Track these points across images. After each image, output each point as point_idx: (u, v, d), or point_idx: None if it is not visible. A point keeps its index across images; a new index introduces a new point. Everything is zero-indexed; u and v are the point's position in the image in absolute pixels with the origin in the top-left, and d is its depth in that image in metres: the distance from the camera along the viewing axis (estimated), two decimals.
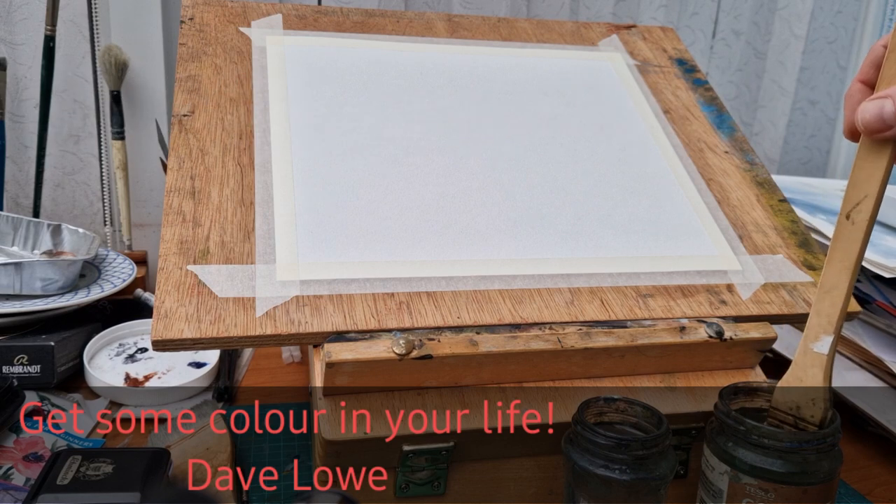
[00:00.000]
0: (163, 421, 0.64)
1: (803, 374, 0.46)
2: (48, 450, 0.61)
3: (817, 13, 1.31)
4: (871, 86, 0.45)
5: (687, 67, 0.79)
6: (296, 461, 0.62)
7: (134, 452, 0.52)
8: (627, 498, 0.45)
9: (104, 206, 1.00)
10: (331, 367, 0.47)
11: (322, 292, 0.51)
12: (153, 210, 1.03)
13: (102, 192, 1.00)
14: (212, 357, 0.75)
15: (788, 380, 0.47)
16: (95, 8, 0.95)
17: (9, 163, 0.97)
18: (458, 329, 0.50)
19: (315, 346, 0.50)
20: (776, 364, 0.78)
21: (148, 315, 0.83)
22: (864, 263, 0.70)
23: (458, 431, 0.49)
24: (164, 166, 0.94)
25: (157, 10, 0.96)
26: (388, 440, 0.48)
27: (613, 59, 0.78)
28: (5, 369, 0.67)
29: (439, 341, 0.49)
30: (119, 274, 0.82)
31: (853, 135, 0.45)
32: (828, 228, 0.76)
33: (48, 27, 0.90)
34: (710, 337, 0.53)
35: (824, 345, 0.45)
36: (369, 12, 0.76)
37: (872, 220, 0.44)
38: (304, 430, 0.67)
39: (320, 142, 0.61)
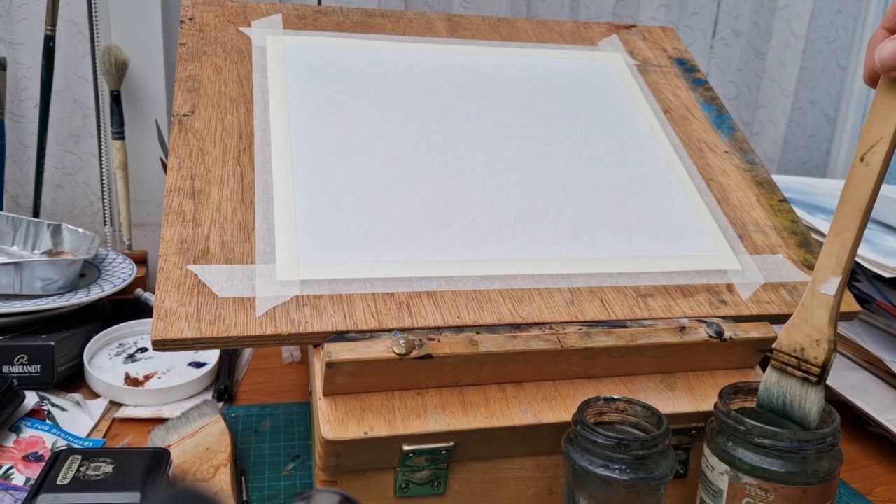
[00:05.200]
0: (163, 421, 0.64)
1: (809, 315, 0.47)
2: (48, 450, 0.61)
3: (817, 13, 1.31)
4: (893, 32, 0.46)
5: (687, 67, 0.79)
6: (296, 461, 0.62)
7: (134, 452, 0.52)
8: (627, 498, 0.45)
9: (104, 206, 1.00)
10: (331, 366, 0.47)
11: (322, 292, 0.51)
12: (153, 210, 1.03)
13: (102, 191, 1.00)
14: (212, 357, 0.75)
15: (794, 321, 0.47)
16: (95, 8, 0.95)
17: (9, 163, 0.97)
18: (458, 329, 0.50)
19: (315, 346, 0.50)
20: None
21: (148, 315, 0.83)
22: (863, 263, 0.70)
23: (458, 431, 0.49)
24: (164, 166, 0.94)
25: (157, 10, 0.96)
26: (387, 440, 0.48)
27: (613, 58, 0.78)
28: (5, 369, 0.67)
29: (439, 341, 0.49)
30: (119, 274, 0.82)
31: (872, 80, 0.46)
32: (828, 228, 0.76)
33: (48, 27, 0.90)
34: (710, 337, 0.53)
35: (831, 286, 0.46)
36: (369, 12, 0.76)
37: (887, 163, 0.44)
38: (304, 430, 0.67)
39: (320, 142, 0.61)
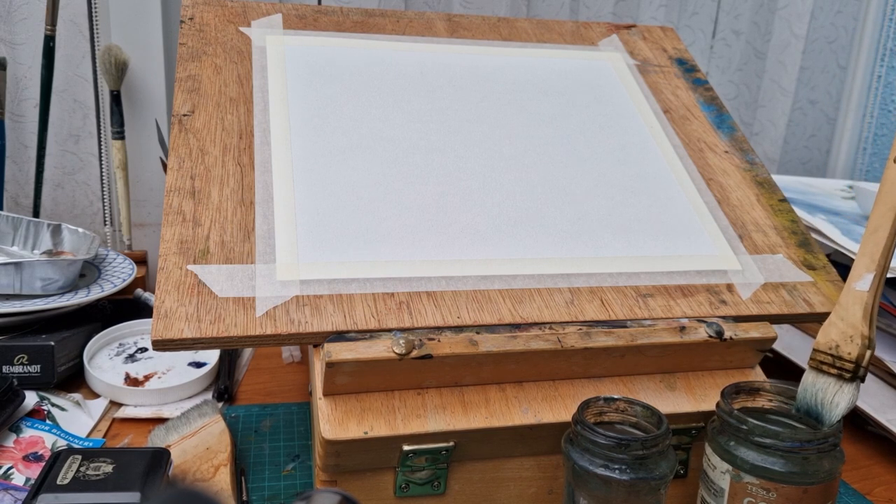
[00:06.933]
0: (163, 421, 0.64)
1: (844, 312, 0.48)
2: (48, 450, 0.61)
3: (817, 13, 1.31)
4: None
5: (687, 67, 0.79)
6: (296, 461, 0.62)
7: (134, 452, 0.52)
8: (627, 498, 0.45)
9: (104, 206, 1.00)
10: (331, 366, 0.47)
11: (322, 292, 0.51)
12: (153, 210, 1.03)
13: (102, 191, 1.00)
14: (212, 357, 0.75)
15: (831, 319, 0.48)
16: (95, 8, 0.95)
17: (9, 163, 0.97)
18: (458, 329, 0.50)
19: (315, 346, 0.50)
20: (776, 364, 0.78)
21: (148, 315, 0.83)
22: None
23: (458, 431, 0.49)
24: (164, 166, 0.94)
25: (157, 10, 0.96)
26: (387, 440, 0.48)
27: (613, 58, 0.78)
28: (5, 369, 0.67)
29: (439, 341, 0.49)
30: (119, 274, 0.82)
31: None
32: (828, 228, 0.76)
33: (48, 27, 0.90)
34: (710, 337, 0.53)
35: (865, 283, 0.47)
36: (369, 12, 0.76)
37: None
38: (304, 430, 0.67)
39: (320, 142, 0.61)
